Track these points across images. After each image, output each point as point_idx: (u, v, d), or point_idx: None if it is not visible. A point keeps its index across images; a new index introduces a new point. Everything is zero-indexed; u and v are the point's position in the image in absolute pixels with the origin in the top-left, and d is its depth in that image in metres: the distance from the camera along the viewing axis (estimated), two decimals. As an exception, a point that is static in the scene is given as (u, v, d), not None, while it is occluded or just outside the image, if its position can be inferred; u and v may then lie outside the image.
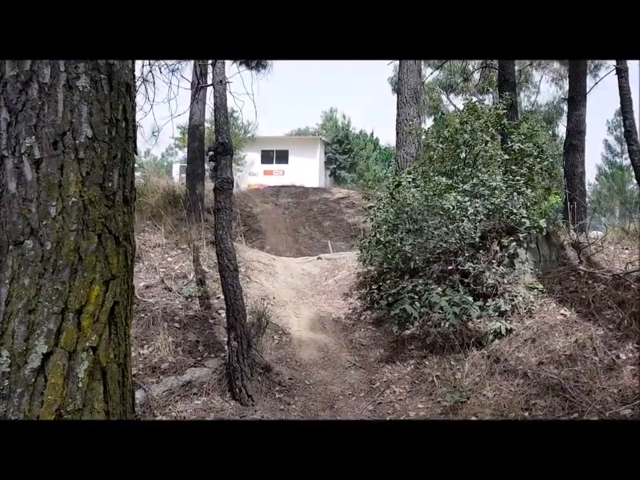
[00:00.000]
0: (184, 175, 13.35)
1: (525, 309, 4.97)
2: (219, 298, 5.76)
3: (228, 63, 10.14)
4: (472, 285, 5.25)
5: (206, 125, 12.11)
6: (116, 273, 2.04)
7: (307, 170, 23.52)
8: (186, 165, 11.63)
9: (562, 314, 4.77)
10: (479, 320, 5.00)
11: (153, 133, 7.94)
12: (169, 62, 7.25)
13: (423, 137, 8.21)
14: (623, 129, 5.01)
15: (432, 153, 6.81)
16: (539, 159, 6.12)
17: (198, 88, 9.08)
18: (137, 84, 5.77)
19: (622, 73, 4.93)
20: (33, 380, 1.80)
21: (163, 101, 6.38)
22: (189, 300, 5.70)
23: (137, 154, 2.26)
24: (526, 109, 21.71)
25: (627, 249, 5.93)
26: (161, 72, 7.65)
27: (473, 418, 3.81)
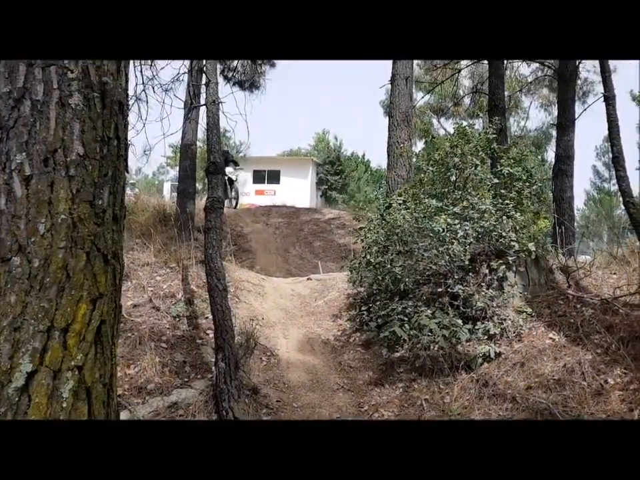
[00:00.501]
0: (175, 194, 13.36)
1: (513, 332, 4.97)
2: (207, 318, 5.72)
3: (221, 83, 10.22)
4: (461, 308, 5.25)
5: (198, 144, 12.15)
6: (103, 292, 2.02)
7: (298, 190, 23.61)
8: (177, 183, 11.64)
9: (551, 338, 4.78)
10: (468, 343, 4.99)
11: (145, 151, 7.96)
12: (163, 81, 7.29)
13: (414, 159, 8.30)
14: (610, 155, 5.07)
15: (422, 175, 6.87)
16: (527, 183, 6.19)
17: (191, 108, 9.13)
18: (130, 102, 5.79)
19: (609, 101, 5.02)
20: (17, 399, 1.77)
21: (156, 119, 6.40)
22: (177, 319, 5.65)
23: (127, 172, 2.26)
24: (515, 133, 21.99)
25: (614, 273, 5.98)
26: (154, 91, 7.70)
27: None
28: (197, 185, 12.36)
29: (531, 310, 5.21)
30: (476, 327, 5.06)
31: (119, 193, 2.18)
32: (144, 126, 6.48)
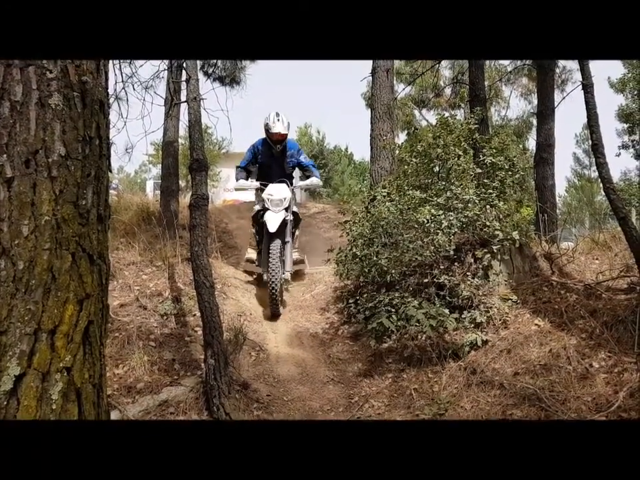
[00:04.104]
0: (158, 192, 13.26)
1: (499, 320, 5.03)
2: (195, 315, 5.70)
3: (202, 79, 10.15)
4: (448, 297, 5.30)
5: (180, 141, 12.07)
6: (90, 292, 2.02)
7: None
8: (160, 181, 11.57)
9: (536, 324, 4.84)
10: (455, 332, 5.04)
11: (127, 149, 7.89)
12: (142, 79, 7.24)
13: (397, 151, 8.31)
14: (590, 142, 5.13)
15: (406, 167, 6.89)
16: (510, 172, 6.24)
17: (171, 105, 9.07)
18: (110, 101, 5.74)
19: (588, 89, 5.07)
20: (5, 403, 1.77)
21: (137, 117, 6.35)
22: (165, 318, 5.63)
23: (111, 171, 2.26)
24: (497, 123, 22.13)
25: (597, 259, 6.06)
26: (134, 89, 7.64)
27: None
28: (180, 182, 12.28)
29: (516, 297, 5.27)
30: (462, 316, 5.11)
31: (103, 192, 2.17)
32: (125, 124, 6.43)
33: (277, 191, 6.24)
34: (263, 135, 6.49)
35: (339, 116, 66.76)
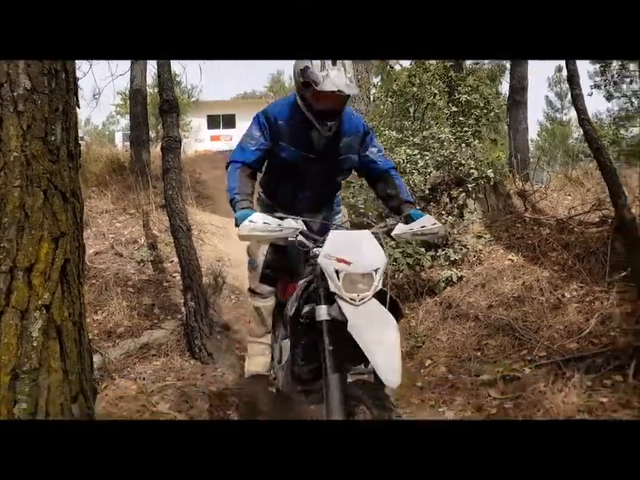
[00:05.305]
0: (127, 144, 12.94)
1: (474, 256, 5.13)
2: (172, 262, 5.69)
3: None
4: (423, 236, 5.35)
5: (148, 89, 11.68)
6: (65, 230, 1.99)
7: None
8: (129, 132, 11.27)
9: (509, 259, 4.95)
10: (431, 269, 5.13)
11: (94, 95, 7.66)
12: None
13: (373, 91, 8.21)
14: (565, 72, 5.05)
15: (382, 107, 6.83)
16: (485, 110, 6.23)
17: (138, 48, 8.74)
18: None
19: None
20: (-14, 340, 1.76)
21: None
22: (142, 265, 5.60)
23: (79, 107, 2.19)
24: (470, 66, 21.91)
25: (569, 195, 6.15)
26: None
27: (429, 361, 3.95)
28: (150, 132, 11.96)
29: (490, 234, 5.36)
30: (438, 254, 5.19)
31: (72, 128, 2.12)
32: (90, 67, 6.20)
33: (360, 252, 2.19)
34: (288, 96, 2.73)
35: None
